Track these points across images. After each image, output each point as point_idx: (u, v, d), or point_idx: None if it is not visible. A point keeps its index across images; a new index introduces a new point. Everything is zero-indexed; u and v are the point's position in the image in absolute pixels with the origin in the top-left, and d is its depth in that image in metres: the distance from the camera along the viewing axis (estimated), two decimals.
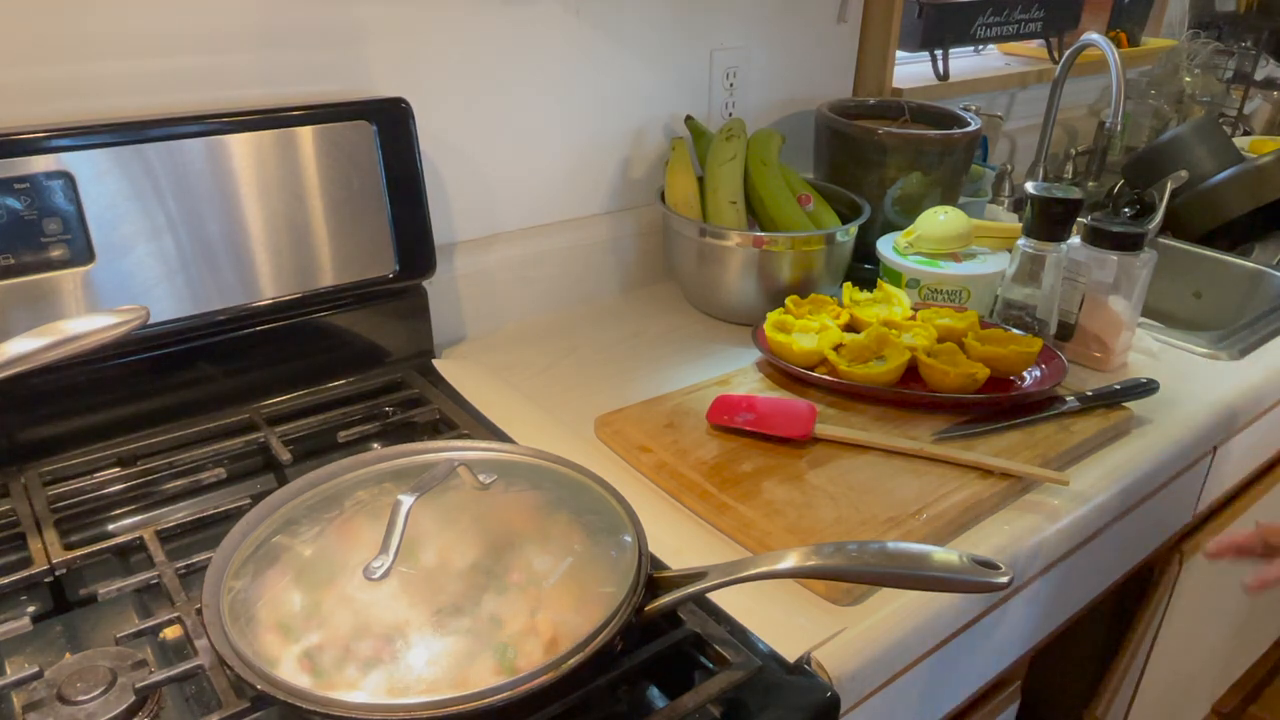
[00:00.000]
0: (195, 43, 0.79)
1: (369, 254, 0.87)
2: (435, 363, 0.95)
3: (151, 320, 0.72)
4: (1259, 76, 1.93)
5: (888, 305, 0.99)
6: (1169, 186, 1.41)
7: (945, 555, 0.52)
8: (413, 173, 0.87)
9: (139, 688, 0.53)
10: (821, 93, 1.32)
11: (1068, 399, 0.88)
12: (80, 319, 0.63)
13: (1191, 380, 0.98)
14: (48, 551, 0.65)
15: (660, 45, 1.11)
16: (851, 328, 0.96)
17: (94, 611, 0.65)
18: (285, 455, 0.76)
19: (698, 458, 0.79)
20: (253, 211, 0.79)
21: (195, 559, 0.65)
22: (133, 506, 0.76)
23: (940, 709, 0.80)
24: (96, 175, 0.72)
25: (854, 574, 0.53)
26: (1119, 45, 1.80)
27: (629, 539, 0.59)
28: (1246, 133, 1.87)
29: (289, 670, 0.49)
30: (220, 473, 0.77)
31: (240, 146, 0.78)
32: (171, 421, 0.81)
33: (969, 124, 1.19)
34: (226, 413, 0.83)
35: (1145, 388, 0.89)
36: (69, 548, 0.66)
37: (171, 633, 0.62)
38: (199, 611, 0.56)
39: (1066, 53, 1.41)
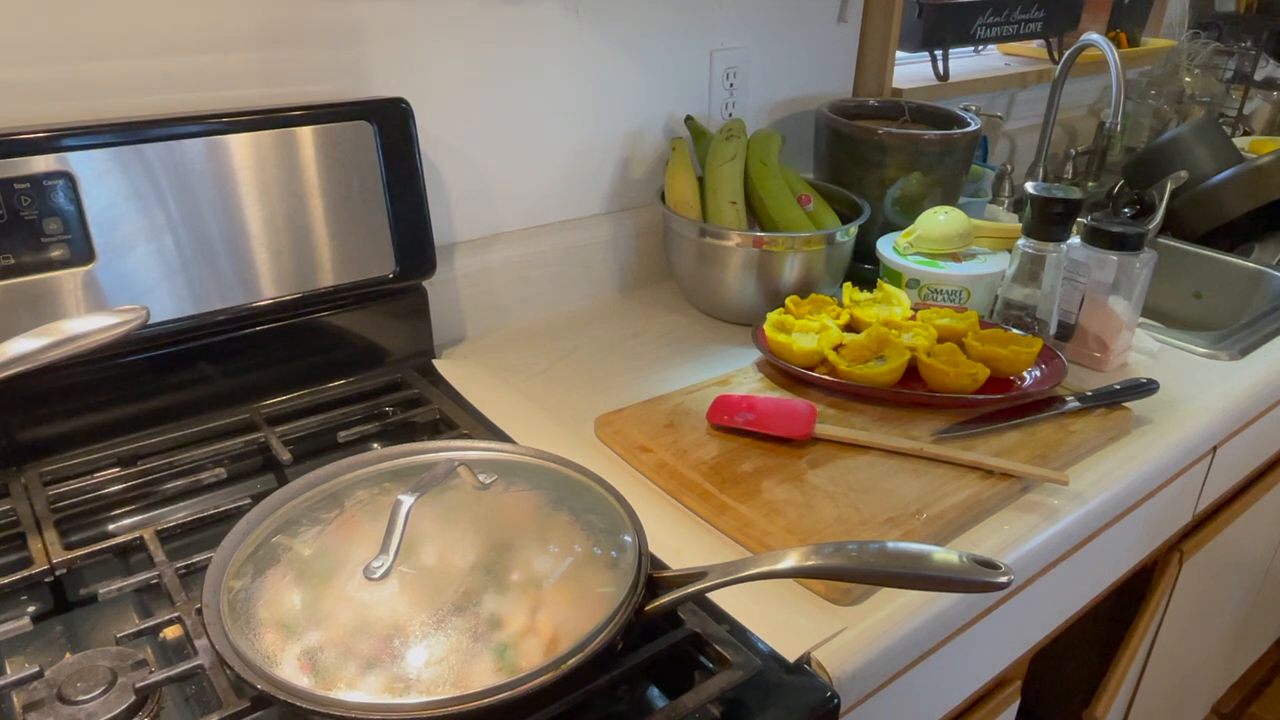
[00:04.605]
0: (195, 43, 0.79)
1: (369, 254, 0.87)
2: (435, 363, 0.95)
3: (151, 320, 0.72)
4: (1259, 76, 1.93)
5: (888, 305, 0.99)
6: (1169, 186, 1.41)
7: (945, 555, 0.52)
8: (413, 173, 0.87)
9: (139, 687, 0.53)
10: (821, 93, 1.32)
11: (1068, 399, 0.88)
12: (80, 319, 0.63)
13: (1191, 380, 0.98)
14: (48, 551, 0.65)
15: (660, 45, 1.11)
16: (851, 328, 0.96)
17: (94, 611, 0.65)
18: (285, 455, 0.76)
19: (698, 458, 0.79)
20: (253, 211, 0.79)
21: (195, 559, 0.65)
22: (133, 506, 0.76)
23: (940, 709, 0.80)
24: (97, 175, 0.72)
25: (854, 574, 0.53)
26: (1119, 45, 1.81)
27: (629, 539, 0.59)
28: (1246, 133, 1.87)
29: (289, 670, 0.49)
30: (220, 473, 0.77)
31: (240, 146, 0.78)
32: (171, 421, 0.81)
33: (969, 124, 1.19)
34: (226, 413, 0.83)
35: (1145, 388, 0.89)
36: (69, 548, 0.66)
37: (171, 633, 0.62)
38: (199, 611, 0.56)
39: (1066, 53, 1.41)
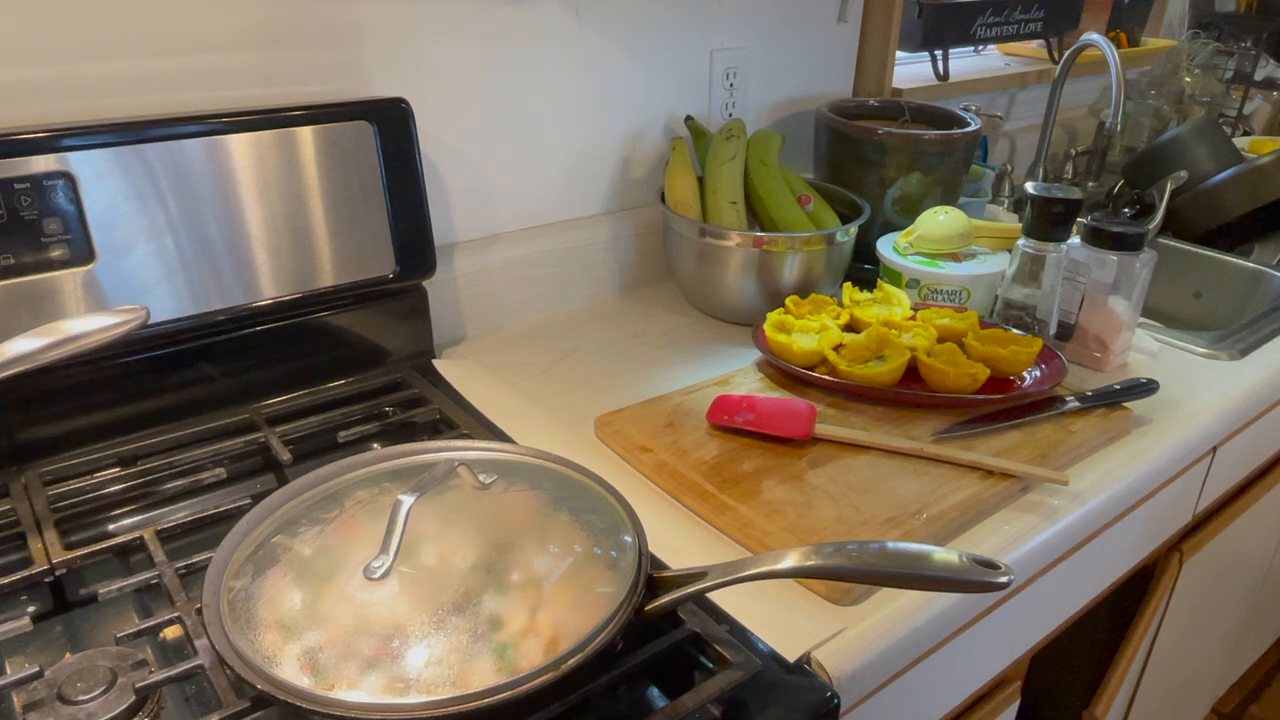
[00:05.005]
0: (195, 43, 0.79)
1: (369, 254, 0.87)
2: (435, 363, 0.95)
3: (152, 320, 0.72)
4: (1259, 76, 1.93)
5: (888, 305, 0.99)
6: (1169, 186, 1.41)
7: (945, 555, 0.52)
8: (413, 173, 0.87)
9: (139, 687, 0.53)
10: (821, 93, 1.32)
11: (1068, 399, 0.88)
12: (80, 319, 0.63)
13: (1191, 380, 0.98)
14: (48, 551, 0.65)
15: (660, 45, 1.11)
16: (851, 328, 0.96)
17: (94, 611, 0.65)
18: (285, 455, 0.76)
19: (698, 458, 0.79)
20: (253, 211, 0.79)
21: (195, 559, 0.65)
22: (133, 506, 0.76)
23: (940, 709, 0.80)
24: (97, 175, 0.72)
25: (854, 574, 0.53)
26: (1119, 45, 1.81)
27: (629, 539, 0.59)
28: (1246, 133, 1.87)
29: (289, 670, 0.49)
30: (220, 473, 0.77)
31: (240, 146, 0.78)
32: (171, 421, 0.81)
33: (969, 124, 1.19)
34: (226, 413, 0.83)
35: (1145, 388, 0.89)
36: (69, 548, 0.66)
37: (171, 633, 0.62)
38: (199, 611, 0.56)
39: (1066, 53, 1.41)
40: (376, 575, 0.53)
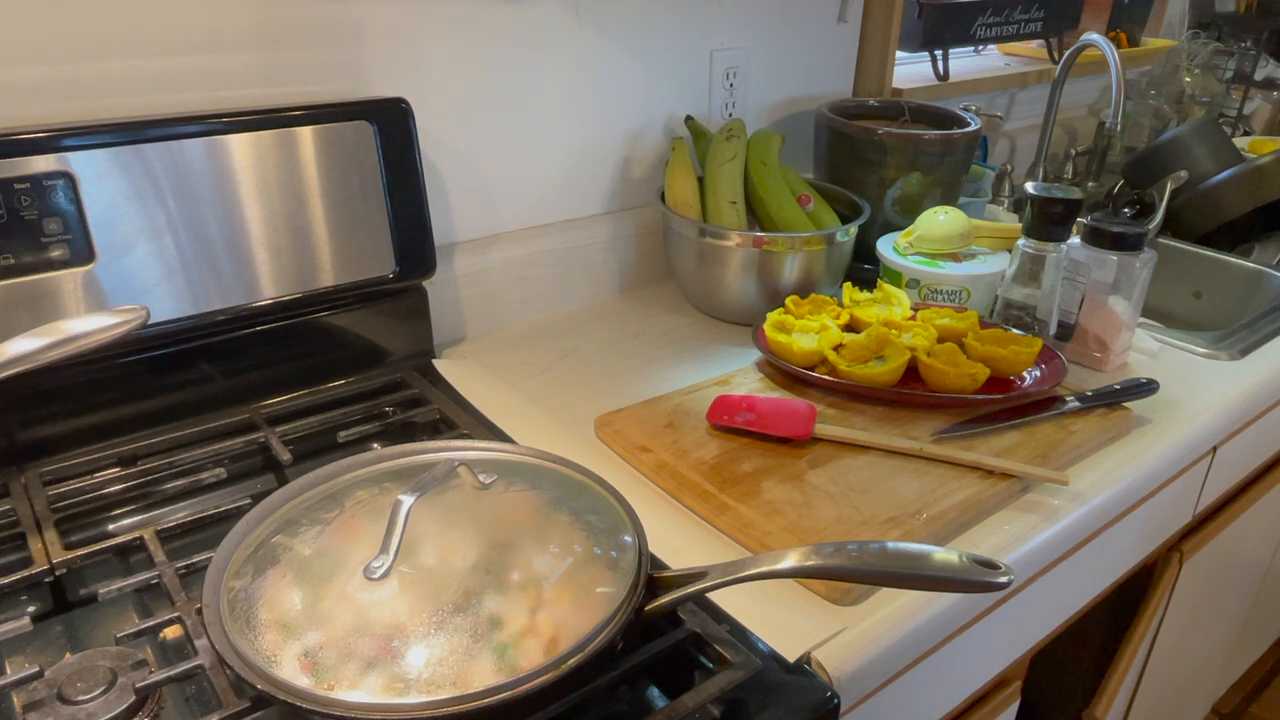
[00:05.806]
0: (195, 43, 0.79)
1: (369, 254, 0.87)
2: (435, 363, 0.95)
3: (151, 320, 0.72)
4: (1259, 76, 1.93)
5: (888, 305, 0.99)
6: (1169, 186, 1.41)
7: (945, 555, 0.52)
8: (413, 173, 0.87)
9: (139, 687, 0.53)
10: (821, 93, 1.32)
11: (1068, 399, 0.88)
12: (80, 319, 0.63)
13: (1191, 380, 0.98)
14: (48, 551, 0.65)
15: (660, 45, 1.11)
16: (851, 328, 0.96)
17: (94, 611, 0.65)
18: (285, 455, 0.76)
19: (698, 458, 0.79)
20: (253, 211, 0.79)
21: (195, 559, 0.65)
22: (133, 506, 0.76)
23: (940, 709, 0.80)
24: (97, 175, 0.72)
25: (854, 574, 0.53)
26: (1119, 45, 1.81)
27: (629, 539, 0.59)
28: (1246, 133, 1.87)
29: (289, 670, 0.49)
30: (220, 473, 0.77)
31: (240, 146, 0.78)
32: (171, 421, 0.81)
33: (969, 124, 1.19)
34: (226, 413, 0.83)
35: (1145, 388, 0.89)
36: (69, 548, 0.66)
37: (171, 633, 0.62)
38: (199, 611, 0.56)
39: (1066, 53, 1.41)
40: (376, 575, 0.53)
